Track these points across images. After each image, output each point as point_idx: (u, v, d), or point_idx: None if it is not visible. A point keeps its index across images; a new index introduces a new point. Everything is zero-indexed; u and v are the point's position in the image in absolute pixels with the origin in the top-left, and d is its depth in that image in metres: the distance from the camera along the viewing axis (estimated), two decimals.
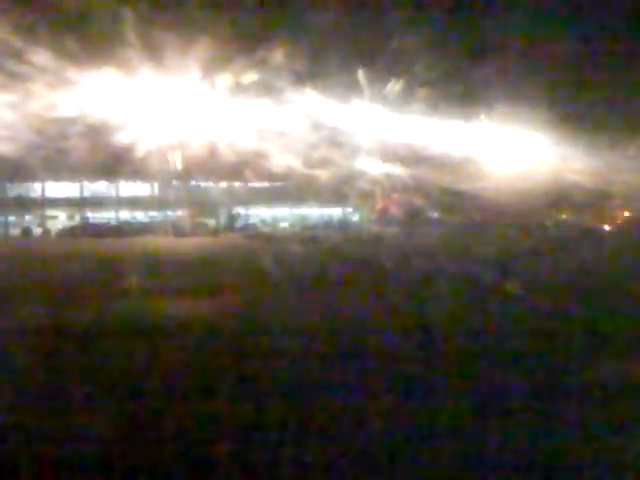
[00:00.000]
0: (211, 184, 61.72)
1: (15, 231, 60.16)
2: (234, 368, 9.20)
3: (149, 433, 6.98)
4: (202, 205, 59.92)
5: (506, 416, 7.30)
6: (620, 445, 6.53)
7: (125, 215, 64.68)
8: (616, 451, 6.43)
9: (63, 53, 31.71)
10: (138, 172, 50.01)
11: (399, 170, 49.34)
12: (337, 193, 54.78)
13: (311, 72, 36.89)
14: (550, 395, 8.10)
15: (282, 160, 43.03)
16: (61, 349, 10.69)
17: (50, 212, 63.19)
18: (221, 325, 12.73)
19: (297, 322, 12.82)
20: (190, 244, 42.74)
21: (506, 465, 6.16)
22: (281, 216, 67.19)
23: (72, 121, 38.04)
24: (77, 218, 63.71)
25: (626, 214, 65.49)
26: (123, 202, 63.76)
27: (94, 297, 16.28)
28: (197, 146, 42.27)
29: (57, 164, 47.43)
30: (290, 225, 64.45)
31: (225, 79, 36.75)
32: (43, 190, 63.79)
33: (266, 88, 37.68)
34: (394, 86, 38.54)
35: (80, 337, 11.61)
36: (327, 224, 62.71)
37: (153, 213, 64.07)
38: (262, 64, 34.82)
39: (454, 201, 56.29)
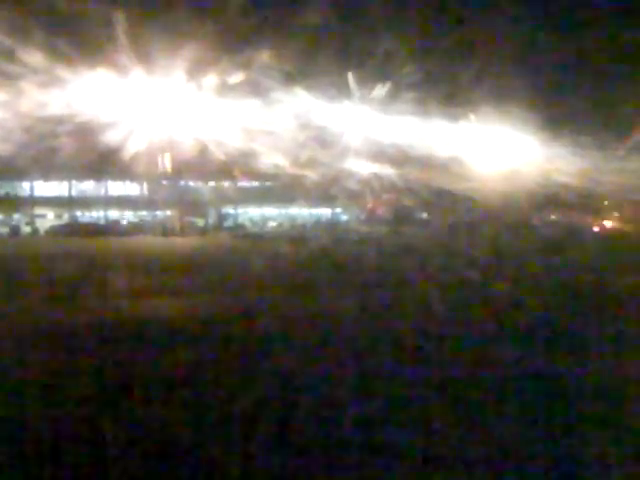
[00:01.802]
0: (200, 184, 61.67)
1: (3, 230, 60.02)
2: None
3: None
4: (191, 205, 59.89)
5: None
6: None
7: (114, 215, 64.63)
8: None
9: (52, 53, 31.70)
10: (127, 172, 49.90)
11: (388, 170, 49.38)
12: (326, 193, 54.85)
13: (300, 72, 36.94)
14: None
15: (271, 160, 43.06)
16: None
17: (39, 211, 63.05)
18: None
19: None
20: (177, 244, 42.74)
21: None
22: (269, 216, 67.26)
23: (61, 120, 37.97)
24: (65, 217, 63.58)
25: (615, 214, 65.76)
26: (112, 201, 63.71)
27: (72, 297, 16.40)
28: (186, 146, 42.23)
29: (46, 163, 47.31)
30: (278, 225, 64.54)
31: (214, 79, 36.78)
32: (32, 189, 63.68)
33: (255, 88, 37.68)
34: (382, 87, 38.66)
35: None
36: (316, 224, 62.80)
37: (142, 213, 64.03)
38: (251, 64, 34.86)
39: (443, 202, 56.43)
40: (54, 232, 56.94)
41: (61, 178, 61.35)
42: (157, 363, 9.74)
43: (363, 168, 50.96)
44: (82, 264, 26.16)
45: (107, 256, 30.50)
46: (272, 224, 64.99)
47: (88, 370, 9.39)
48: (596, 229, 61.53)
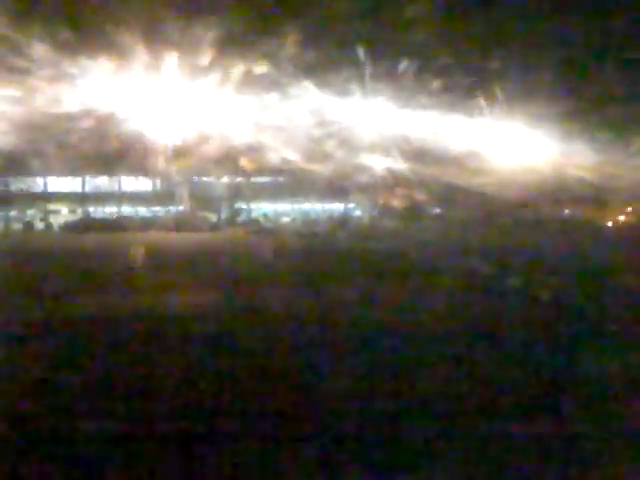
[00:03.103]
0: (213, 179, 61.67)
1: (17, 225, 60.36)
2: None
3: None
4: (204, 200, 59.90)
5: None
6: None
7: (127, 210, 64.73)
8: None
9: (64, 46, 31.68)
10: (140, 167, 49.96)
11: (401, 165, 49.23)
12: (339, 188, 54.74)
13: (314, 66, 36.79)
14: None
15: (284, 155, 43.01)
16: None
17: (52, 206, 63.27)
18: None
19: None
20: (190, 239, 42.72)
21: None
22: (283, 211, 67.18)
23: (74, 116, 37.99)
24: (79, 213, 63.78)
25: (629, 209, 65.43)
26: (125, 197, 63.82)
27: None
28: (199, 141, 42.23)
29: (59, 158, 47.40)
30: (292, 220, 64.52)
31: (227, 74, 36.69)
32: (45, 184, 63.90)
33: (268, 82, 37.59)
34: (396, 81, 38.45)
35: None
36: (329, 219, 62.72)
37: (155, 208, 64.08)
38: (265, 58, 34.76)
39: (456, 196, 56.22)
40: (68, 228, 57.24)
41: (74, 174, 61.49)
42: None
43: (376, 163, 50.86)
44: (98, 260, 26.34)
45: (122, 252, 30.59)
46: (285, 219, 64.94)
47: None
48: (609, 223, 61.29)
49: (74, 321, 12.80)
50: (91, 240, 41.85)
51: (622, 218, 63.76)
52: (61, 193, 63.51)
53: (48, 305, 14.35)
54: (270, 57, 34.27)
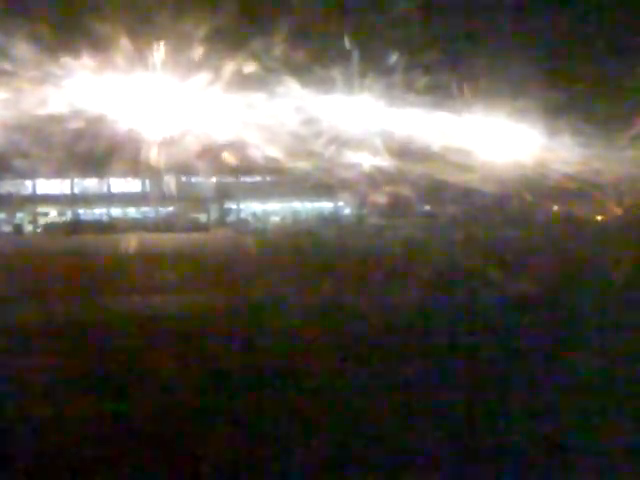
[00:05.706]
0: (202, 179, 61.63)
1: (6, 228, 60.17)
2: None
3: None
4: (193, 200, 59.87)
5: None
6: None
7: (117, 211, 64.58)
8: None
9: (49, 47, 31.62)
10: (129, 168, 49.83)
11: (389, 163, 49.28)
12: (328, 187, 54.77)
13: (301, 65, 36.80)
14: None
15: (273, 154, 42.99)
16: None
17: (41, 209, 63.08)
18: None
19: None
20: (177, 240, 42.58)
21: None
22: (272, 210, 67.14)
23: (61, 117, 37.91)
24: (68, 215, 63.61)
25: (618, 203, 65.58)
26: (114, 198, 63.69)
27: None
28: (188, 141, 42.17)
29: (47, 161, 47.27)
30: (281, 219, 64.52)
31: (215, 73, 36.68)
32: (34, 187, 63.71)
33: (256, 81, 37.58)
34: (383, 78, 38.52)
35: None
36: (318, 218, 62.77)
37: (144, 209, 63.94)
38: (252, 57, 34.74)
39: (444, 193, 56.32)
40: (56, 230, 57.14)
41: (63, 176, 61.34)
42: None
43: (365, 161, 50.90)
44: (88, 261, 26.34)
45: (108, 253, 30.59)
46: (275, 219, 64.91)
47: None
48: (599, 218, 61.54)
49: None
50: (80, 242, 41.78)
51: (611, 212, 63.94)
52: (50, 195, 63.33)
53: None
54: (259, 56, 34.26)
